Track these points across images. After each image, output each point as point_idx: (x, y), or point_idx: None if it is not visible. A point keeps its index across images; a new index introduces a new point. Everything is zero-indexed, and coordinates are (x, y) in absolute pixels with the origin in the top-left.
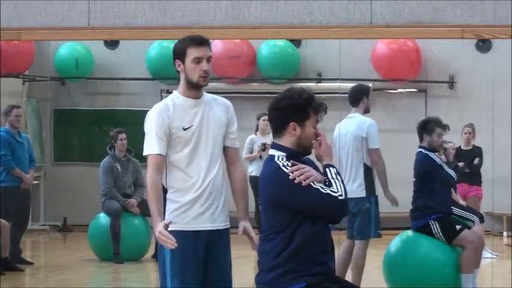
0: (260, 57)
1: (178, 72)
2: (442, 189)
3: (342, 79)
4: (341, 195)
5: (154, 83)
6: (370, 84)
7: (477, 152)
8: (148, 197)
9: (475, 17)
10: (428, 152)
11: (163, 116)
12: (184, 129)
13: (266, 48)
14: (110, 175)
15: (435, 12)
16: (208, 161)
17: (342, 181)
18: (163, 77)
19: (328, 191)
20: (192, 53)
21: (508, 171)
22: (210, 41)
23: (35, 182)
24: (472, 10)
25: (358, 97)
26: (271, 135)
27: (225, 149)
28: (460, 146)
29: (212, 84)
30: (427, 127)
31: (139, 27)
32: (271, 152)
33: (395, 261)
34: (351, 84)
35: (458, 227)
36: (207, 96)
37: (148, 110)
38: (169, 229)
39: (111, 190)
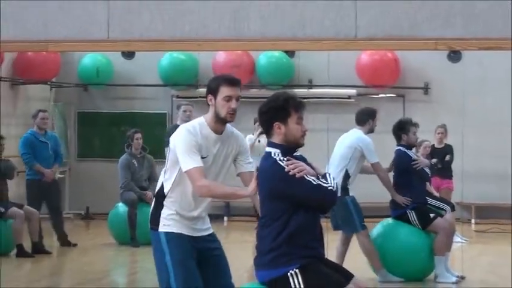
0: (258, 66)
1: (208, 105)
2: (418, 183)
3: (330, 85)
4: (331, 187)
5: (165, 89)
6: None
7: (448, 149)
8: (219, 195)
9: (447, 31)
10: (406, 150)
11: (193, 135)
12: (202, 158)
13: (264, 58)
14: (127, 170)
15: (412, 27)
16: None
17: (334, 179)
18: (174, 83)
19: (319, 182)
20: (224, 91)
21: (475, 166)
22: (214, 53)
23: (61, 176)
24: (445, 25)
25: (365, 119)
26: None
27: (241, 175)
28: (433, 144)
29: None
30: (404, 128)
31: (152, 39)
32: (268, 149)
33: (377, 245)
34: (339, 90)
35: (432, 215)
36: (228, 131)
37: (160, 113)
38: (165, 230)
39: (128, 183)
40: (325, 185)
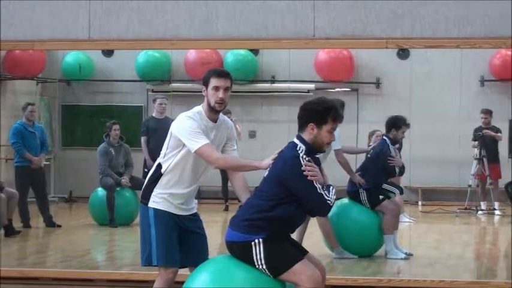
0: (226, 63)
1: (204, 96)
2: (382, 174)
3: (291, 81)
4: (329, 201)
5: (141, 84)
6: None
7: None
8: (235, 166)
9: (396, 31)
10: (390, 143)
11: (195, 121)
12: None
13: (231, 56)
14: (105, 157)
15: (365, 27)
16: (203, 169)
17: (335, 194)
18: (149, 79)
19: (322, 192)
20: (213, 82)
21: (422, 153)
22: (186, 51)
23: (47, 163)
24: (394, 26)
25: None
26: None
27: None
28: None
29: (188, 85)
30: (397, 124)
31: (129, 39)
32: (296, 141)
33: (332, 224)
34: (299, 85)
35: (381, 197)
36: (220, 119)
37: (137, 106)
38: (154, 207)
39: (106, 169)
40: (326, 197)
